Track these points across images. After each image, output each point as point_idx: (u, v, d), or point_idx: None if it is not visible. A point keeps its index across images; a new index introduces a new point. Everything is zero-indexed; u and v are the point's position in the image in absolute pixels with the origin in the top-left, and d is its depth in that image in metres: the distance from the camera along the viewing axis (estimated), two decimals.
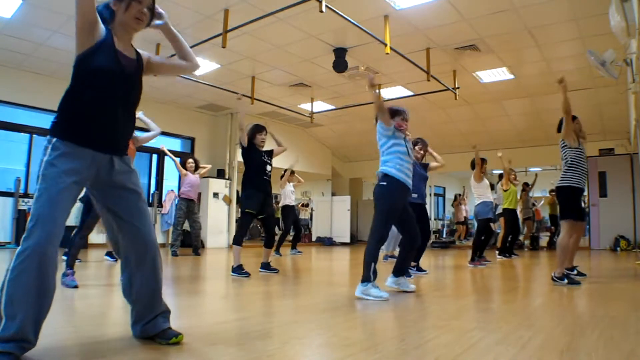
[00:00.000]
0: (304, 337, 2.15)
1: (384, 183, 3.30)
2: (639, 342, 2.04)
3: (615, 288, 4.06)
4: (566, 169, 4.15)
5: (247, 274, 4.46)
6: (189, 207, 7.18)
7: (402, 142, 3.40)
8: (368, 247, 3.25)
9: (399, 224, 3.48)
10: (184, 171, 7.22)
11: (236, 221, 10.35)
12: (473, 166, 6.42)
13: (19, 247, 1.56)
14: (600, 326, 2.32)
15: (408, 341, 2.04)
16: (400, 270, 3.53)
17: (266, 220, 4.87)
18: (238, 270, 4.48)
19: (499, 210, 7.91)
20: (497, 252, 7.62)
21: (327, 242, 12.90)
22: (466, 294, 3.79)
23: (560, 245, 4.05)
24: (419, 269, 5.00)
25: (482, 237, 6.27)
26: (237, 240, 4.61)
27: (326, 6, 4.79)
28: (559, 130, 4.30)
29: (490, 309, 3.00)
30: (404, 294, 3.40)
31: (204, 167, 7.62)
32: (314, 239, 13.60)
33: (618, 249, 9.44)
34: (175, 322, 2.40)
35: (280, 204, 8.35)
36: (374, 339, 2.11)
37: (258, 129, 4.72)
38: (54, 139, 1.68)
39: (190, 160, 7.46)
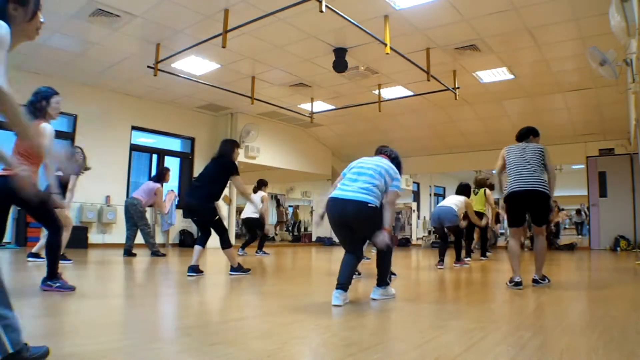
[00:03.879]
0: (304, 337, 2.15)
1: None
2: (639, 342, 2.04)
3: (615, 288, 4.06)
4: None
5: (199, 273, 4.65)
6: None
7: None
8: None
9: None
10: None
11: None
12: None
13: None
14: (600, 326, 2.32)
15: (408, 341, 2.04)
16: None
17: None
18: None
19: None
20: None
21: (327, 242, 12.90)
22: (465, 294, 3.79)
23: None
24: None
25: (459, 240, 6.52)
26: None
27: (326, 6, 4.79)
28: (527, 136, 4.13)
29: (490, 308, 3.00)
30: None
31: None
32: (314, 239, 13.59)
33: (618, 249, 9.44)
34: (176, 322, 2.40)
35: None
36: (374, 339, 2.10)
37: (237, 144, 4.88)
38: None
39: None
